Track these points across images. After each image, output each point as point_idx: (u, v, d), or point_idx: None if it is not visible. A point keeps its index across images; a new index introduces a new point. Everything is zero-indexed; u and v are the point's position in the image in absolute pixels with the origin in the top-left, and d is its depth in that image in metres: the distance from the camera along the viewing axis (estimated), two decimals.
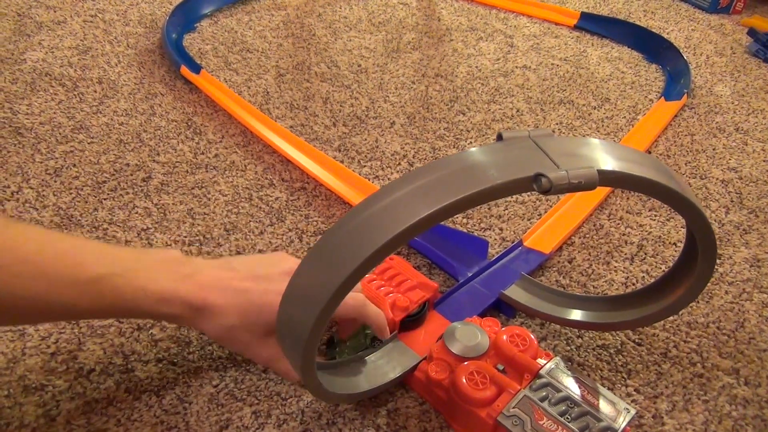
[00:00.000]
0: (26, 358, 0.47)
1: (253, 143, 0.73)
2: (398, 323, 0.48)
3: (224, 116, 0.78)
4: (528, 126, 0.81)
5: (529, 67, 0.95)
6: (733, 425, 0.45)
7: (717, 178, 0.72)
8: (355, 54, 0.95)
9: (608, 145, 0.35)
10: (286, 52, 0.94)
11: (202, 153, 0.71)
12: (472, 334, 0.46)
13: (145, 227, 0.60)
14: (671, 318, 0.54)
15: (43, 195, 0.63)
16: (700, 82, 0.94)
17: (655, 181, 0.33)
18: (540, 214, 0.65)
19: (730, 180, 0.72)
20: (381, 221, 0.31)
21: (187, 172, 0.68)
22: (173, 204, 0.63)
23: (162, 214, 0.62)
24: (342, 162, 0.71)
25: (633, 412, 0.42)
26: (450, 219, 0.64)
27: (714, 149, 0.78)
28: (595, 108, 0.85)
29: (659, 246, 0.61)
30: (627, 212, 0.66)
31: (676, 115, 0.84)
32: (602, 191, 0.67)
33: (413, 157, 0.73)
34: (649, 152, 0.77)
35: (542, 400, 0.42)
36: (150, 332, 0.50)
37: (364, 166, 0.71)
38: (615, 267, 0.59)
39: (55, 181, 0.65)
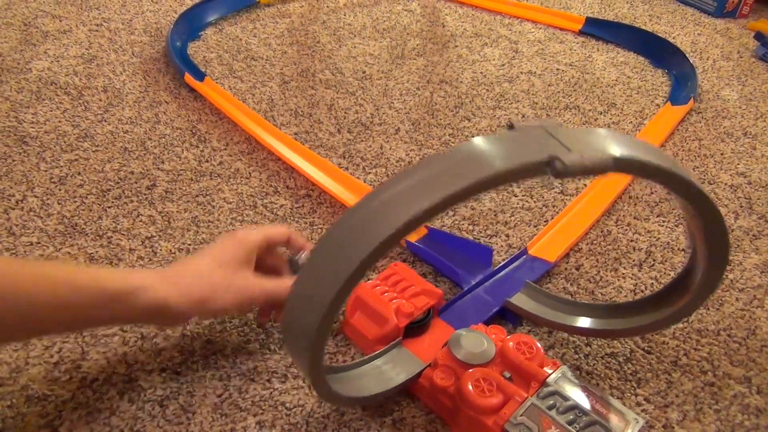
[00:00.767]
0: (29, 367, 0.47)
1: (258, 151, 0.73)
2: (403, 329, 0.48)
3: (229, 124, 0.78)
4: None
5: (534, 72, 0.95)
6: None
7: (726, 183, 0.71)
8: (360, 61, 0.95)
9: (620, 135, 0.34)
10: (290, 59, 0.94)
11: (207, 161, 0.71)
12: (478, 341, 0.45)
13: (149, 235, 0.60)
14: (681, 325, 0.53)
15: (48, 203, 0.63)
16: (706, 87, 0.93)
17: (667, 169, 0.32)
18: (546, 221, 0.64)
19: (739, 185, 0.71)
20: (390, 209, 0.30)
21: (192, 179, 0.68)
22: (177, 212, 0.63)
23: (166, 222, 0.62)
24: (347, 169, 0.71)
25: (642, 422, 0.41)
26: (455, 225, 0.63)
27: (722, 154, 0.77)
28: (601, 113, 0.85)
29: (668, 252, 0.61)
30: (635, 218, 0.65)
31: (683, 120, 0.84)
32: (609, 196, 0.67)
33: None
34: None
35: (550, 408, 0.41)
36: (154, 341, 0.50)
37: (369, 172, 0.70)
38: (623, 274, 0.58)
39: (60, 190, 0.65)
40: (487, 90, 0.89)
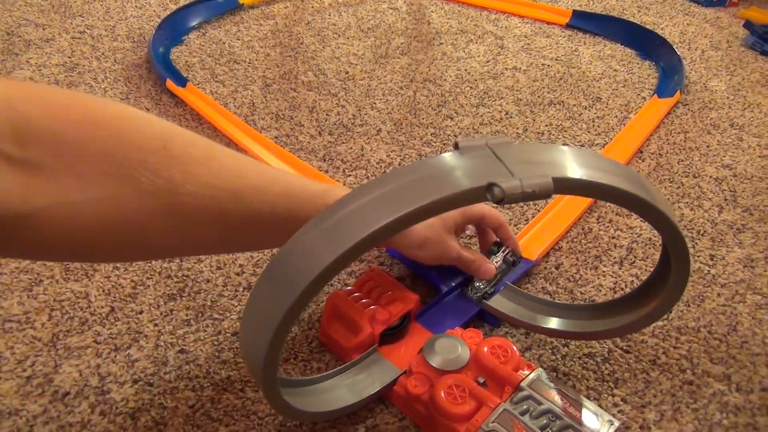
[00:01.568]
0: (1, 382, 0.47)
1: None
2: (378, 336, 0.47)
3: (209, 129, 0.77)
4: (517, 129, 0.79)
5: (519, 68, 0.94)
6: None
7: (710, 176, 0.71)
8: (343, 61, 0.94)
9: (572, 151, 0.33)
10: (273, 61, 0.94)
11: None
12: (452, 346, 0.45)
13: None
14: (660, 324, 0.52)
15: None
16: (694, 78, 0.92)
17: (618, 188, 0.32)
18: (527, 219, 0.64)
19: (724, 178, 0.70)
20: (334, 236, 0.30)
21: None
22: None
23: None
24: (327, 172, 0.70)
25: (617, 423, 0.41)
26: None
27: (708, 146, 0.76)
28: (585, 108, 0.84)
29: (649, 248, 0.60)
30: (617, 214, 0.64)
31: (669, 113, 0.83)
32: None
33: (399, 164, 0.72)
34: (641, 151, 0.75)
35: (523, 413, 0.41)
36: (127, 353, 0.49)
37: (349, 175, 0.70)
38: (603, 272, 0.58)
39: None
40: (471, 87, 0.88)
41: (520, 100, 0.86)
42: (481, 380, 0.43)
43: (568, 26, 1.08)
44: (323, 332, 0.50)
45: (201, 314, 0.53)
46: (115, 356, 0.49)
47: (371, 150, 0.74)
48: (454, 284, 0.54)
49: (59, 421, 0.44)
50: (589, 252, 0.60)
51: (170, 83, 0.83)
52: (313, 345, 0.50)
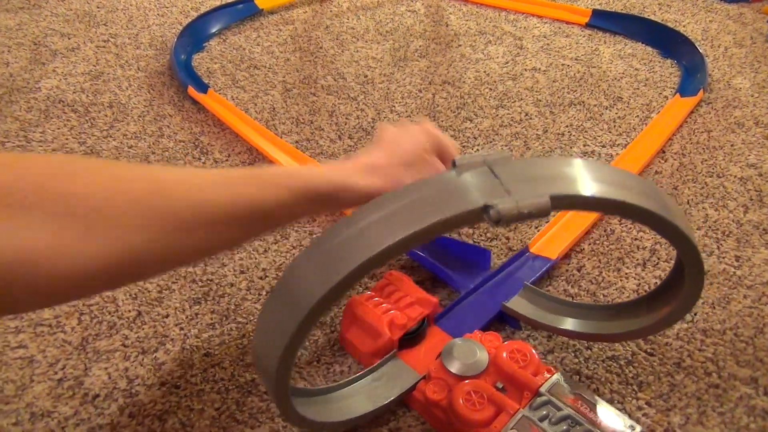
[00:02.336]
0: (34, 384, 0.48)
1: (259, 160, 0.74)
2: (397, 341, 0.47)
3: (231, 134, 0.79)
4: (537, 130, 0.79)
5: (539, 69, 0.93)
6: None
7: (735, 176, 0.70)
8: (362, 65, 0.95)
9: (576, 165, 0.32)
10: (293, 66, 0.95)
11: None
12: (471, 351, 0.45)
13: None
14: (685, 326, 0.52)
15: None
16: (717, 76, 0.91)
17: (620, 201, 0.31)
18: (548, 220, 0.63)
19: (749, 177, 0.69)
20: (328, 264, 0.30)
21: None
22: None
23: None
24: None
25: (639, 429, 0.40)
26: (454, 230, 0.63)
27: (732, 145, 0.75)
28: (606, 108, 0.83)
29: (673, 250, 0.59)
30: None
31: (692, 112, 0.82)
32: None
33: None
34: (664, 151, 0.74)
35: (542, 419, 0.41)
36: (154, 356, 0.50)
37: None
38: (626, 273, 0.57)
39: None
40: (490, 89, 0.88)
41: (540, 101, 0.85)
42: (500, 385, 0.43)
43: (588, 26, 1.07)
44: (342, 337, 0.50)
45: (225, 318, 0.54)
46: (143, 359, 0.50)
47: None
48: (473, 286, 0.54)
49: (90, 423, 0.45)
50: (611, 254, 0.59)
51: (192, 90, 0.84)
52: (335, 348, 0.51)
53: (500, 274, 0.56)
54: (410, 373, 0.46)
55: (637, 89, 0.88)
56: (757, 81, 0.89)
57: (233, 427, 0.45)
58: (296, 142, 0.77)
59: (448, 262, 0.56)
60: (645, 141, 0.75)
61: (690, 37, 0.97)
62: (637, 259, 0.59)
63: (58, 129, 0.80)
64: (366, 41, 1.02)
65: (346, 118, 0.82)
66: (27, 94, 0.87)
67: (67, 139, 0.78)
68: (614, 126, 0.80)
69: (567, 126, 0.80)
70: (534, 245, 0.59)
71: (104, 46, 1.01)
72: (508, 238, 0.62)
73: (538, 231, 0.62)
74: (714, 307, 0.54)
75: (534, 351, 0.44)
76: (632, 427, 0.40)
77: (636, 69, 0.93)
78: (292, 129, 0.80)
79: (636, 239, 0.61)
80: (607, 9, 1.11)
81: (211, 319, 0.54)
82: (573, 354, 0.50)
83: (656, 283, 0.56)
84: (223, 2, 1.12)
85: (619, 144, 0.76)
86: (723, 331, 0.51)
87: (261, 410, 0.46)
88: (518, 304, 0.51)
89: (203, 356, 0.50)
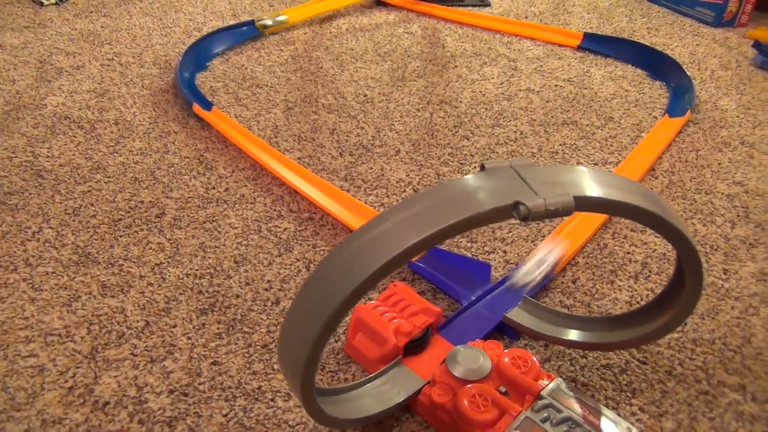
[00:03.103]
0: (45, 392, 0.49)
1: (263, 176, 0.76)
2: (402, 348, 0.49)
3: (235, 151, 0.81)
4: (531, 148, 0.82)
5: (533, 89, 0.96)
6: None
7: (722, 193, 0.72)
8: (362, 84, 0.98)
9: (590, 171, 0.36)
10: (294, 85, 0.97)
11: (213, 188, 0.73)
12: (474, 357, 0.47)
13: (158, 262, 0.62)
14: (676, 335, 0.54)
15: (62, 234, 0.66)
16: (704, 97, 0.94)
17: (634, 205, 0.34)
18: (544, 236, 0.66)
19: (736, 194, 0.72)
20: (369, 252, 0.32)
21: (199, 206, 0.70)
22: (185, 238, 0.65)
23: (175, 249, 0.64)
24: (348, 191, 0.73)
25: (636, 431, 0.42)
26: (454, 243, 0.65)
27: (719, 164, 0.78)
28: (598, 128, 0.86)
29: (663, 263, 0.62)
30: (631, 230, 0.66)
31: (680, 132, 0.85)
32: None
33: (418, 184, 0.74)
34: (654, 169, 0.77)
35: (544, 421, 0.42)
36: (163, 364, 0.52)
37: (370, 194, 0.73)
38: (619, 286, 0.59)
39: (74, 221, 0.68)
40: (486, 109, 0.91)
41: (534, 120, 0.88)
42: (503, 389, 0.45)
43: (580, 48, 1.10)
44: (349, 344, 0.52)
45: (232, 328, 0.55)
46: (152, 368, 0.51)
47: (391, 170, 0.77)
48: (474, 298, 0.56)
49: (100, 430, 0.46)
50: (605, 267, 0.61)
51: (197, 107, 0.87)
52: (340, 357, 0.52)
53: (500, 287, 0.58)
54: (415, 379, 0.47)
55: (628, 110, 0.91)
56: (743, 102, 0.92)
57: None
58: (299, 158, 0.79)
59: (450, 275, 0.58)
60: (636, 159, 0.78)
61: (678, 60, 1.00)
62: (630, 272, 0.61)
63: (65, 145, 0.81)
64: (365, 62, 1.05)
65: (347, 136, 0.84)
66: (33, 111, 0.89)
67: (73, 154, 0.79)
68: (606, 145, 0.82)
69: (561, 144, 0.82)
70: None
71: (109, 65, 1.03)
72: (505, 252, 0.64)
73: (535, 246, 0.64)
74: (703, 318, 0.56)
75: (534, 358, 0.46)
76: (629, 430, 0.42)
77: (626, 90, 0.96)
78: (294, 146, 0.82)
79: (628, 253, 0.63)
80: (598, 32, 1.15)
81: (218, 329, 0.55)
82: (569, 362, 0.51)
83: (648, 295, 0.58)
84: (226, 24, 1.15)
85: (611, 162, 0.79)
86: (712, 340, 0.53)
87: (268, 417, 0.47)
88: (519, 315, 0.53)
89: (211, 365, 0.52)
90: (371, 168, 0.77)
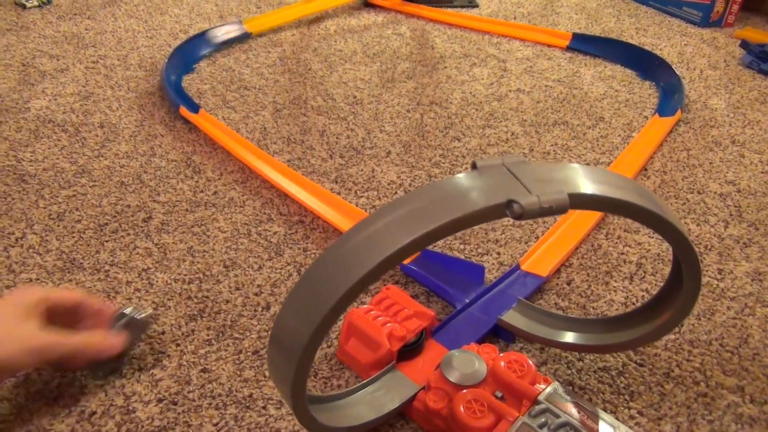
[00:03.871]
0: (30, 403, 0.48)
1: (252, 179, 0.75)
2: (396, 353, 0.48)
3: (223, 154, 0.79)
4: (523, 149, 0.81)
5: (523, 90, 0.96)
6: None
7: (715, 192, 0.72)
8: (351, 86, 0.97)
9: (584, 169, 0.35)
10: (282, 87, 0.96)
11: (201, 191, 0.72)
12: (469, 361, 0.46)
13: (145, 267, 0.61)
14: (673, 337, 0.53)
15: (47, 240, 0.64)
16: (694, 96, 0.94)
17: (629, 202, 0.33)
18: (537, 237, 0.65)
19: (728, 193, 0.72)
20: (360, 254, 0.31)
21: (187, 210, 0.69)
22: (173, 243, 0.64)
23: (162, 254, 0.63)
24: (339, 194, 0.72)
25: None
26: (447, 245, 0.64)
27: (711, 163, 0.78)
28: (589, 128, 0.86)
29: (658, 264, 0.61)
30: (625, 231, 0.66)
31: (671, 131, 0.85)
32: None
33: (409, 186, 0.74)
34: (646, 169, 0.77)
35: (541, 426, 0.41)
36: (151, 372, 0.50)
37: (361, 196, 0.72)
38: (614, 287, 0.59)
39: (58, 226, 0.66)
40: (477, 109, 0.90)
41: (525, 120, 0.88)
42: (499, 394, 0.44)
43: (569, 49, 1.10)
44: (341, 350, 0.51)
45: (222, 334, 0.54)
46: (140, 376, 0.50)
47: (381, 172, 0.76)
48: (468, 300, 0.55)
49: None
50: (599, 268, 0.61)
51: (183, 110, 0.85)
52: (333, 362, 0.51)
53: (494, 289, 0.57)
54: (409, 384, 0.47)
55: (618, 109, 0.91)
56: (732, 102, 0.93)
57: None
58: (288, 161, 0.78)
59: (443, 278, 0.57)
60: (627, 159, 0.77)
61: (667, 60, 1.00)
62: (624, 273, 0.60)
63: (49, 149, 0.80)
64: (354, 63, 1.04)
65: (337, 138, 0.83)
66: (16, 114, 0.87)
67: (57, 158, 0.78)
68: (597, 145, 0.82)
69: (552, 145, 0.82)
70: (525, 262, 0.61)
71: (93, 68, 1.01)
72: (498, 254, 0.63)
73: (529, 247, 0.64)
74: (700, 319, 0.55)
75: (531, 361, 0.45)
76: None
77: (616, 90, 0.96)
78: (283, 148, 0.81)
79: (622, 254, 0.63)
80: (587, 33, 1.15)
81: (208, 335, 0.54)
82: (566, 366, 0.51)
83: (643, 296, 0.58)
84: (212, 25, 1.14)
85: (602, 162, 0.79)
86: (709, 341, 0.53)
87: (260, 425, 0.46)
88: (513, 317, 0.52)
89: (200, 372, 0.50)
90: (362, 170, 0.76)
